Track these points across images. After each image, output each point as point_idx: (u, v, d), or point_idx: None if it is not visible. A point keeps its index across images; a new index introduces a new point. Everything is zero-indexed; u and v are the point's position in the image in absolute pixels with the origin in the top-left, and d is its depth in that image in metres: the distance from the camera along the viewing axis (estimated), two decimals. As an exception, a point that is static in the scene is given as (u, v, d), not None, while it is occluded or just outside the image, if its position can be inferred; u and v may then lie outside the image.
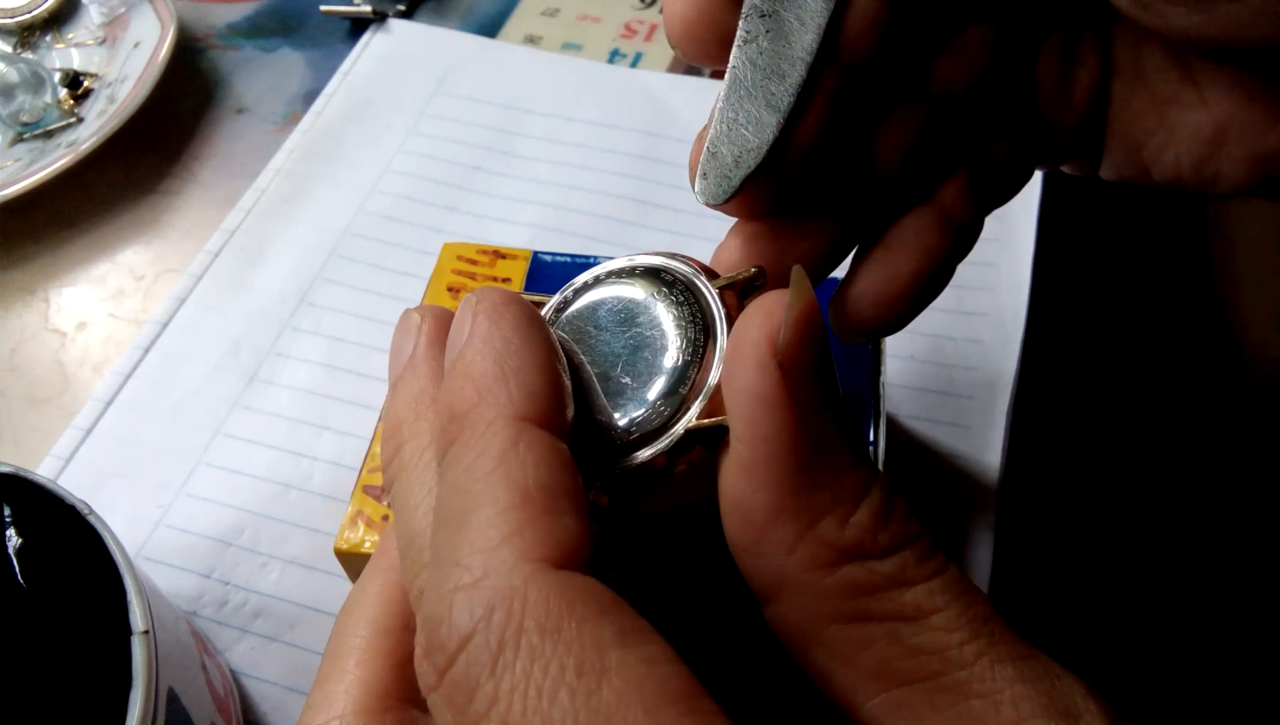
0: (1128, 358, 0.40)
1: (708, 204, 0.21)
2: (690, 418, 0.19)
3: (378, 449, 0.30)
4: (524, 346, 0.18)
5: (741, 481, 0.17)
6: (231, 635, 0.34)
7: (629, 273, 0.21)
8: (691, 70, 0.51)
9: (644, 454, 0.19)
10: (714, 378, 0.19)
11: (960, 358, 0.39)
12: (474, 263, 0.34)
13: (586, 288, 0.21)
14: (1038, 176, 0.43)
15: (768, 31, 0.20)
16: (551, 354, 0.18)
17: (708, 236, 0.43)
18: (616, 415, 0.19)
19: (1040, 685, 0.16)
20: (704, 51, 0.22)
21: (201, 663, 0.30)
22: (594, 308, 0.21)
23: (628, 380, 0.19)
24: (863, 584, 0.16)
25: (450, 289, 0.33)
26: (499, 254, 0.34)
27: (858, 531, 0.16)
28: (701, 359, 0.19)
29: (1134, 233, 0.45)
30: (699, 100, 0.48)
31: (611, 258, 0.33)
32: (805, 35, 0.20)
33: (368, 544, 0.28)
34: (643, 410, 0.19)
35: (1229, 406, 0.39)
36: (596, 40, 0.53)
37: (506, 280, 0.33)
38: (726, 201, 0.21)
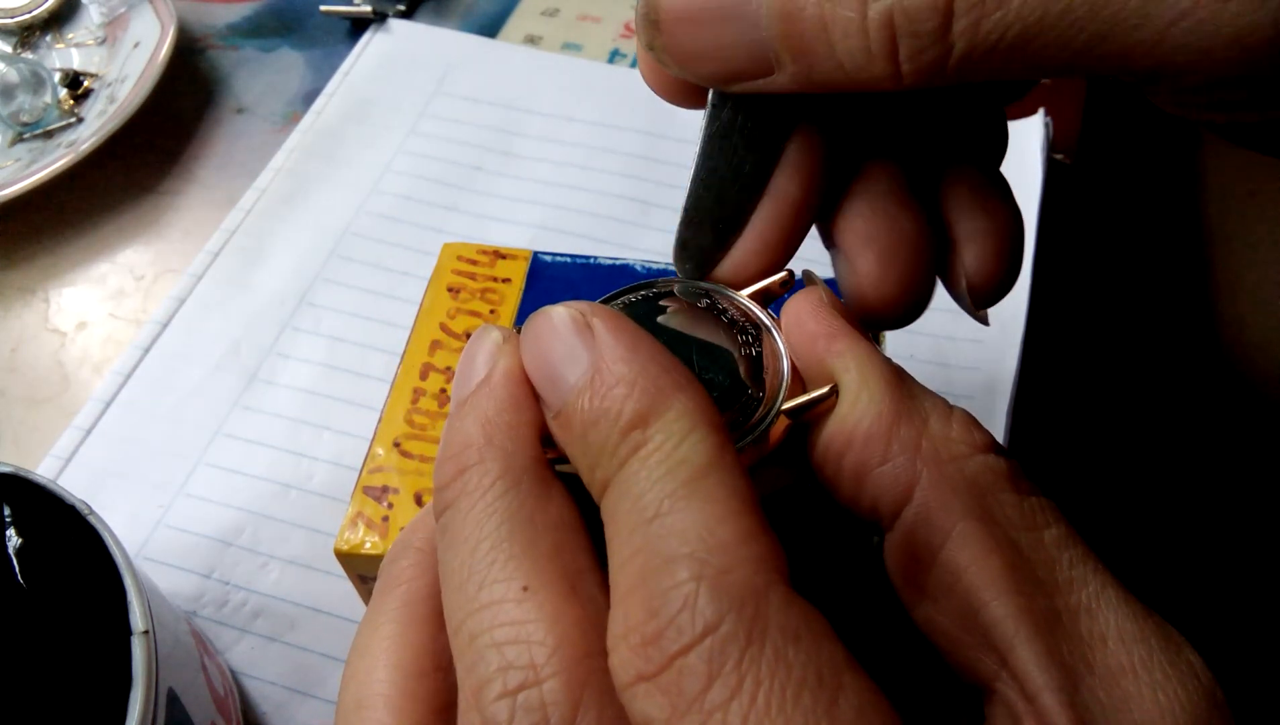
0: (1127, 358, 0.40)
1: (685, 275, 0.23)
2: (782, 392, 0.20)
3: (378, 449, 0.30)
4: (673, 357, 0.18)
5: (859, 406, 0.19)
6: (231, 635, 0.34)
7: (656, 294, 0.22)
8: (691, 70, 0.51)
9: (753, 428, 0.20)
10: (787, 363, 0.20)
11: (960, 358, 0.39)
12: (474, 263, 0.34)
13: (621, 307, 0.22)
14: (1037, 176, 0.43)
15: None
16: None
17: (708, 236, 0.43)
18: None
19: (1142, 615, 0.17)
20: (679, 101, 0.22)
21: (201, 663, 0.30)
22: (641, 320, 0.21)
23: (712, 376, 0.20)
24: (983, 481, 0.18)
25: (450, 289, 0.33)
26: (499, 254, 0.34)
27: (961, 427, 0.19)
28: (765, 349, 0.21)
29: (1133, 234, 0.45)
30: (699, 100, 0.48)
31: (612, 258, 0.34)
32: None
33: (368, 545, 0.28)
34: (739, 396, 0.20)
35: (1229, 406, 0.39)
36: (596, 40, 0.53)
37: (506, 280, 0.33)
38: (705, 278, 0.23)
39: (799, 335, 0.20)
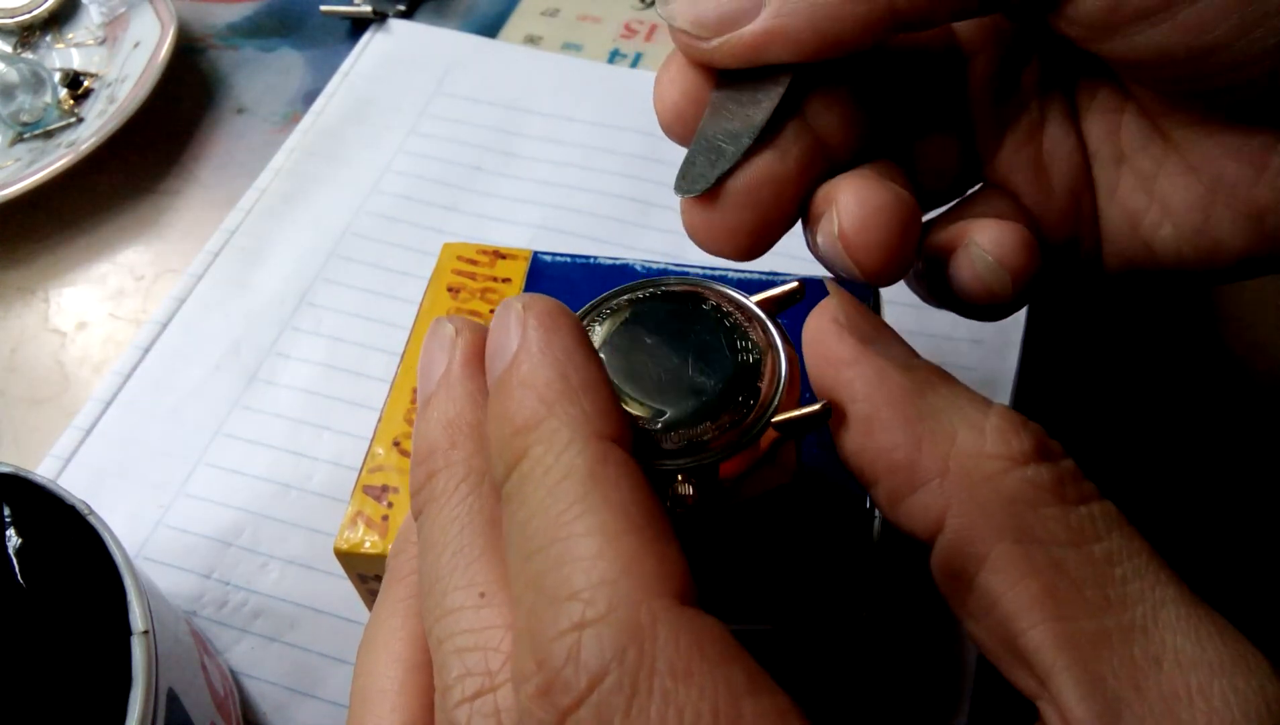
0: (1128, 358, 0.40)
1: (684, 195, 0.23)
2: (774, 405, 0.20)
3: (378, 449, 0.30)
4: (585, 360, 0.17)
5: (874, 436, 0.18)
6: (231, 635, 0.34)
7: (662, 292, 0.22)
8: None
9: (740, 438, 0.19)
10: (784, 373, 0.20)
11: (960, 358, 0.39)
12: (474, 263, 0.34)
13: (625, 303, 0.22)
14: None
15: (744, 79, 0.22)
16: (605, 370, 0.18)
17: (708, 236, 0.43)
18: (699, 410, 0.20)
19: (1206, 636, 0.15)
20: (691, 135, 0.23)
21: (201, 663, 0.30)
22: (643, 317, 0.21)
23: (703, 379, 0.20)
24: (1022, 496, 0.17)
25: (450, 289, 0.33)
26: (499, 254, 0.34)
27: (997, 437, 0.17)
28: (765, 357, 0.20)
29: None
30: (699, 100, 0.48)
31: (612, 258, 0.34)
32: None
33: (368, 544, 0.28)
34: (730, 404, 0.20)
35: (1231, 406, 0.39)
36: (596, 40, 0.53)
37: (506, 280, 0.33)
38: (702, 193, 0.22)
39: (812, 357, 0.20)
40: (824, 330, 0.19)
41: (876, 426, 0.18)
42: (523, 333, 0.17)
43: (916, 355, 0.19)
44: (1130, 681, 0.15)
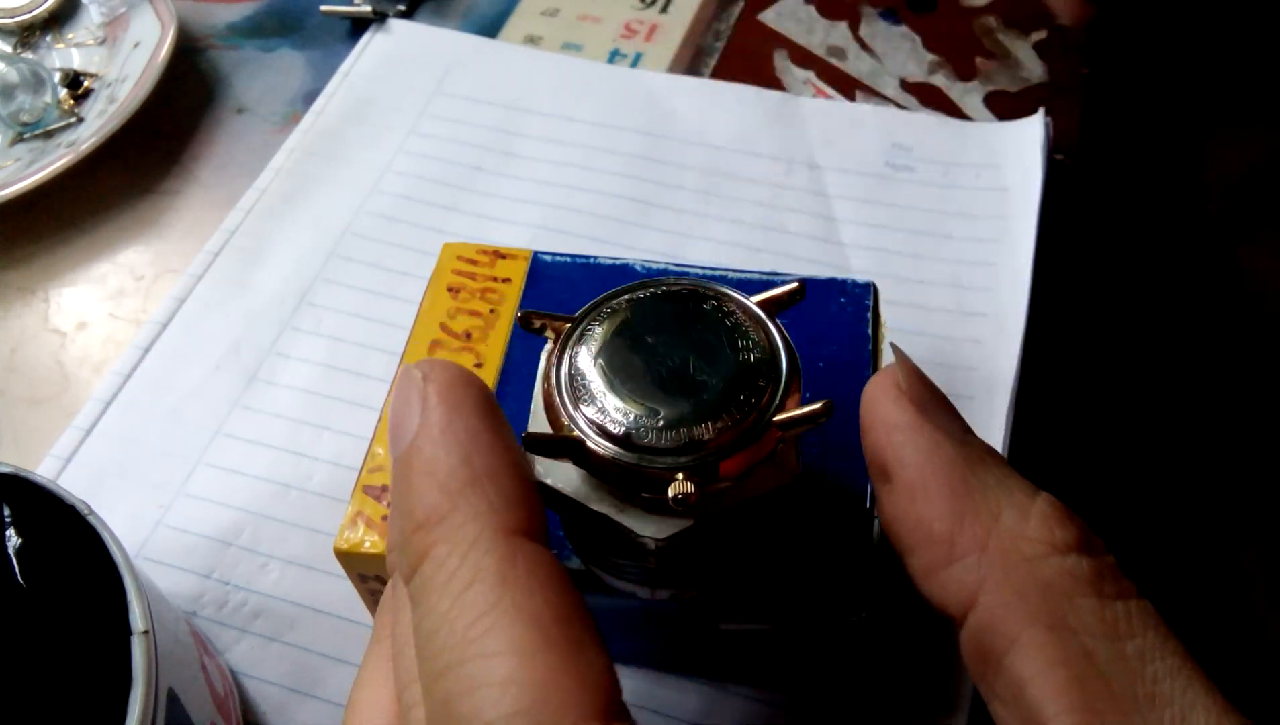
0: (1129, 357, 0.40)
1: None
2: (775, 403, 0.20)
3: (378, 449, 0.30)
4: (493, 442, 0.16)
5: (917, 504, 0.18)
6: (231, 635, 0.34)
7: (664, 293, 0.22)
8: (691, 70, 0.51)
9: (741, 436, 0.20)
10: (785, 371, 0.20)
11: (960, 358, 0.39)
12: (474, 263, 0.34)
13: (625, 303, 0.22)
14: (1037, 176, 0.43)
15: None
16: (519, 449, 0.17)
17: (708, 236, 0.43)
18: (700, 408, 0.20)
19: None
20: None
21: (201, 663, 0.30)
22: (644, 317, 0.21)
23: (705, 378, 0.20)
24: (1058, 584, 0.16)
25: (450, 289, 0.33)
26: (499, 254, 0.34)
27: (1040, 523, 0.17)
28: (766, 357, 0.21)
29: (1134, 232, 0.45)
30: (699, 100, 0.48)
31: (612, 258, 0.34)
32: None
33: (368, 544, 0.28)
34: (731, 402, 0.20)
35: (1232, 406, 0.39)
36: (596, 40, 0.53)
37: (507, 280, 0.33)
38: None
39: (868, 419, 0.20)
40: (884, 393, 0.19)
41: (921, 495, 0.18)
42: (423, 409, 0.16)
43: (971, 431, 0.19)
44: None
